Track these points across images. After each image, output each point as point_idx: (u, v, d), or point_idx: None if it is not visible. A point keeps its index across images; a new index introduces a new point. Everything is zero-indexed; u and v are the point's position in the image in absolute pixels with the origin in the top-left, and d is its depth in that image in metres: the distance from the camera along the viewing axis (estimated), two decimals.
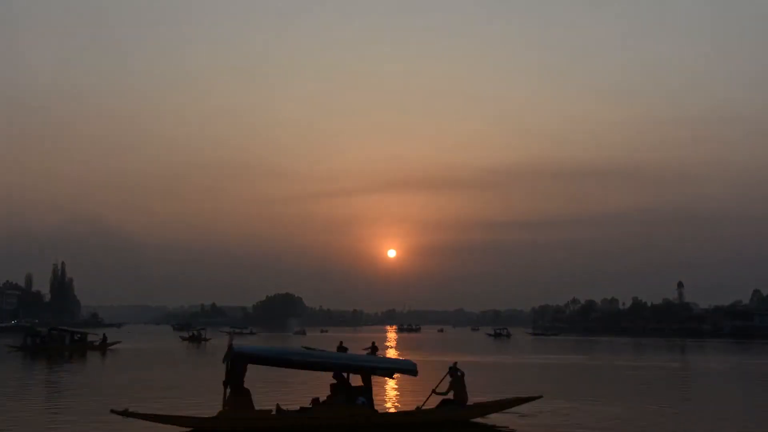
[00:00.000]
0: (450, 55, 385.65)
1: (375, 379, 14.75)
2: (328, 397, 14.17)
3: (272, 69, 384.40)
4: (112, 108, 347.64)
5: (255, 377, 15.30)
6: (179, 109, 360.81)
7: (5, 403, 18.30)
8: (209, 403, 15.92)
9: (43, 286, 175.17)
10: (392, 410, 16.67)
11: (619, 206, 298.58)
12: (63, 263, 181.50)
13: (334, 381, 14.41)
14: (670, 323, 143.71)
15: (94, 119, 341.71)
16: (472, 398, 15.39)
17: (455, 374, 15.27)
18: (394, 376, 16.45)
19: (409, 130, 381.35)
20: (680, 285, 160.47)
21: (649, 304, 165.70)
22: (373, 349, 29.59)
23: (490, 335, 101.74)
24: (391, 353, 46.47)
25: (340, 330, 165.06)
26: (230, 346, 13.46)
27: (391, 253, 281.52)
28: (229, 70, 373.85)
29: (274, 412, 13.51)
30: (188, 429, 12.98)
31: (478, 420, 15.08)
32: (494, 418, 15.27)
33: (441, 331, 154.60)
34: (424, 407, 14.83)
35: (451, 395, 15.06)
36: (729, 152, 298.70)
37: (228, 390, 13.27)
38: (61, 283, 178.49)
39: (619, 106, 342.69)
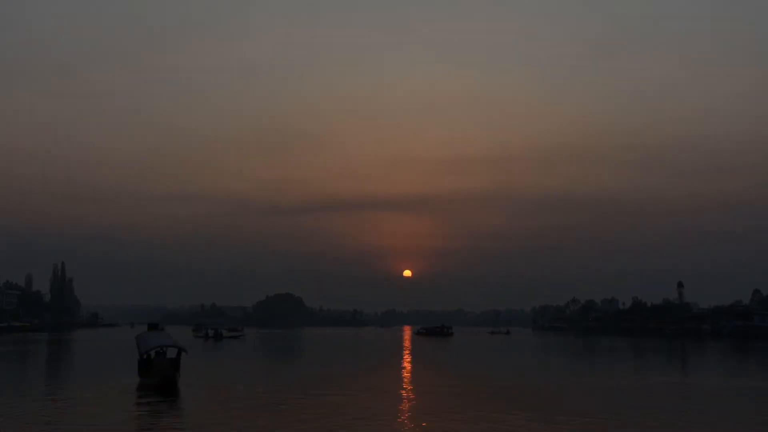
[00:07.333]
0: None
1: None
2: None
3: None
4: (113, 108, 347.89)
5: None
6: (185, 109, 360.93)
7: None
8: None
9: (43, 286, 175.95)
10: None
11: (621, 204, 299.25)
12: (63, 263, 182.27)
13: None
14: (670, 323, 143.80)
15: (95, 121, 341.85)
16: None
17: None
18: None
19: (407, 142, 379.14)
20: (680, 285, 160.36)
21: (649, 304, 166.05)
22: None
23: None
24: None
25: (342, 329, 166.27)
26: None
27: (407, 273, 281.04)
28: (239, 71, 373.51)
29: None
30: None
31: None
32: None
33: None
34: None
35: None
36: None
37: None
38: (61, 283, 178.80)
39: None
